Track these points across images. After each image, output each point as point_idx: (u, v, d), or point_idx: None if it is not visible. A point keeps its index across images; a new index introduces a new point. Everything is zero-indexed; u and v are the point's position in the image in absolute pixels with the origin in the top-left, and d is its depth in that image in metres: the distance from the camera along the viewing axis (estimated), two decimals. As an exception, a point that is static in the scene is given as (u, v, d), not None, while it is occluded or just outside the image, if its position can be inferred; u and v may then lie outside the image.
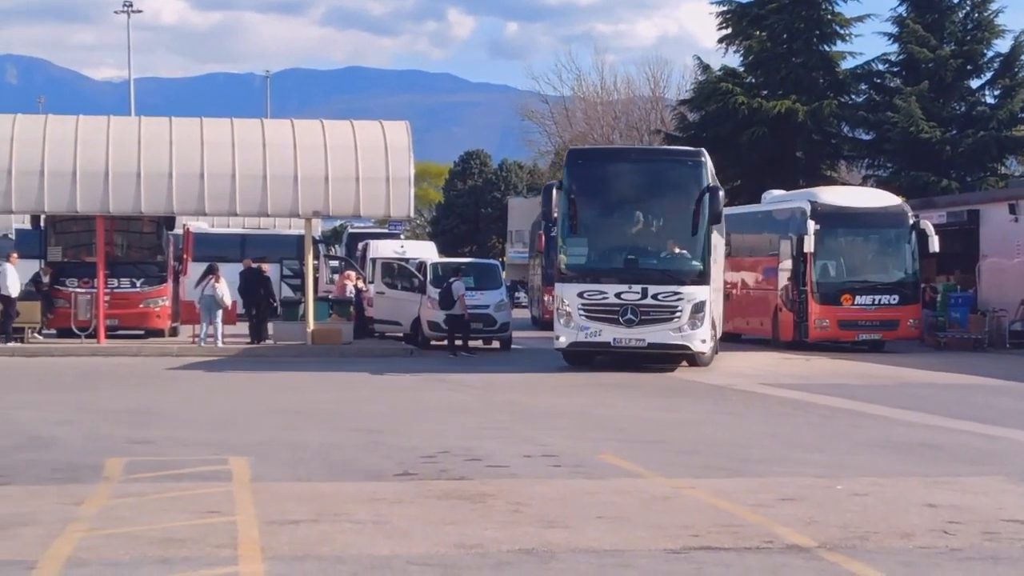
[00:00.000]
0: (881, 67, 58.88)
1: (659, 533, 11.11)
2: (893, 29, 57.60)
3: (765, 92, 57.53)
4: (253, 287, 36.29)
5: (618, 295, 28.67)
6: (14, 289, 34.61)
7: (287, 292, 45.09)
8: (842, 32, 58.68)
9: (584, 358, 30.29)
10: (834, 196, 39.17)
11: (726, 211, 35.82)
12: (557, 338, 29.55)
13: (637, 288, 28.61)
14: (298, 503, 12.30)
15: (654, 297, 28.57)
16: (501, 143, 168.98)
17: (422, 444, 16.72)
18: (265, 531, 10.97)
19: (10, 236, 45.54)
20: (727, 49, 60.24)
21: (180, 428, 18.73)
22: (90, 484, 13.35)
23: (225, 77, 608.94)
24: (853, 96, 59.67)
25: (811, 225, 36.50)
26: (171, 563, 9.83)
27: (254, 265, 37.24)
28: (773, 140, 55.80)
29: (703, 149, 31.41)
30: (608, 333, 28.74)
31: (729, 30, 59.87)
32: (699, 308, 28.69)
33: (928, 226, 37.37)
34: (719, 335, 33.60)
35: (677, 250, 29.33)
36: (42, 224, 37.71)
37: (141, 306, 37.41)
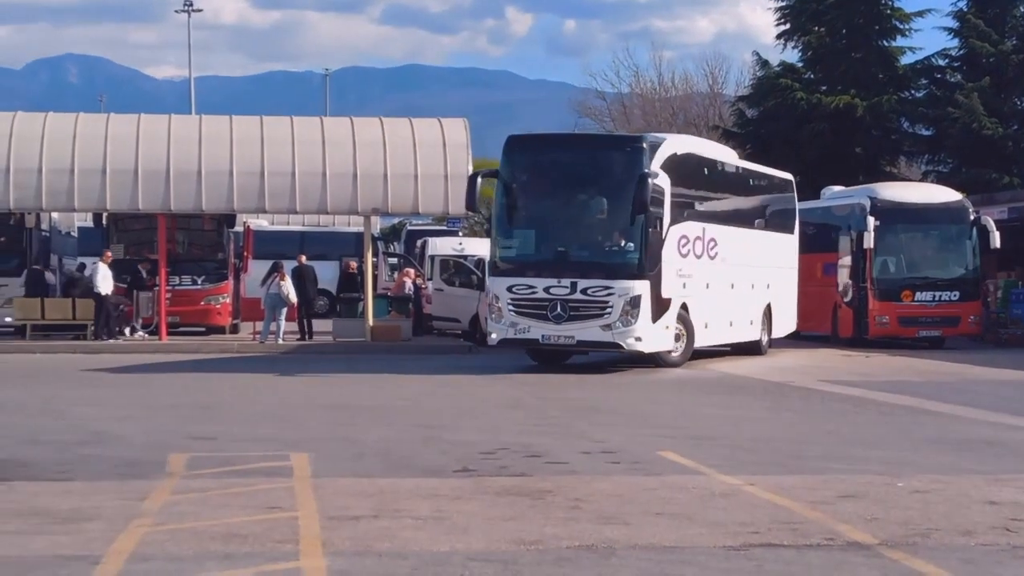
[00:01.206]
0: (941, 62, 58.43)
1: (718, 530, 11.10)
2: (953, 24, 57.14)
3: (824, 88, 57.22)
4: (302, 284, 36.45)
5: (547, 289, 27.28)
6: (105, 287, 34.88)
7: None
8: (901, 27, 58.26)
9: (551, 356, 29.22)
10: (894, 192, 38.99)
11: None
12: (489, 334, 28.55)
13: (566, 282, 27.20)
14: (358, 499, 12.37)
15: (583, 292, 27.10)
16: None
17: (480, 440, 16.76)
18: (326, 526, 11.04)
19: (72, 234, 45.90)
20: (786, 45, 59.95)
21: (241, 424, 18.87)
22: (153, 480, 13.46)
23: (284, 75, 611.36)
24: (913, 91, 59.27)
25: (871, 221, 36.35)
26: (233, 558, 9.91)
27: (306, 263, 37.45)
28: (832, 136, 55.50)
29: (646, 135, 30.59)
30: (537, 330, 27.43)
31: (788, 26, 59.57)
32: (634, 303, 26.96)
33: (989, 222, 37.14)
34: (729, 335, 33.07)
35: (620, 242, 27.64)
36: (104, 222, 38.03)
37: (202, 303, 37.73)
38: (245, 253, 40.38)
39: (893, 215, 36.96)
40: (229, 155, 35.09)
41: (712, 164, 31.96)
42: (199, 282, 37.49)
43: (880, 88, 56.77)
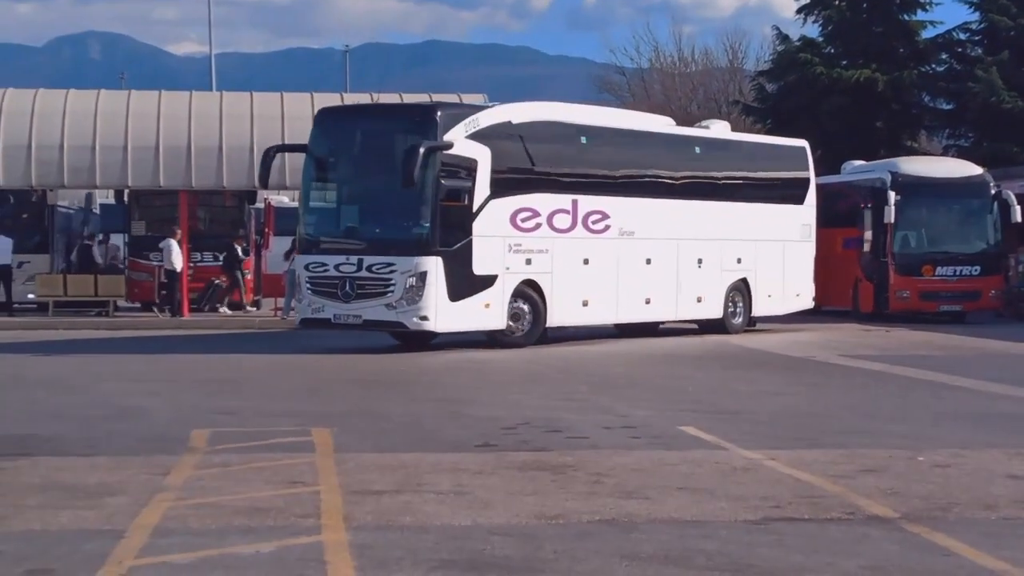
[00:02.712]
0: (962, 36, 58.14)
1: (739, 504, 11.13)
2: (974, -3, 56.92)
3: (844, 62, 56.99)
4: None
5: (337, 267, 26.35)
6: (178, 263, 34.99)
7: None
8: (922, 1, 58.02)
9: (421, 340, 27.59)
10: (915, 166, 38.92)
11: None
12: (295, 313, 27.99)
13: (354, 260, 26.26)
14: (380, 473, 12.42)
15: (368, 269, 26.13)
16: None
17: (502, 415, 16.81)
18: (348, 501, 11.09)
19: (95, 211, 46.01)
20: (806, 19, 59.66)
21: (263, 399, 18.94)
22: (176, 455, 13.53)
23: (305, 52, 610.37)
24: (934, 66, 59.06)
25: (891, 195, 36.30)
26: (256, 532, 9.97)
27: None
28: (852, 110, 55.29)
29: (439, 103, 29.52)
30: (330, 309, 26.53)
31: (808, 0, 59.40)
32: (420, 280, 25.69)
33: (1010, 196, 37.06)
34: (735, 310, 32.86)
35: (407, 217, 26.31)
36: (126, 199, 38.12)
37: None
38: (267, 230, 40.40)
39: (914, 190, 36.88)
40: (250, 132, 35.11)
41: (594, 132, 29.93)
42: (221, 259, 37.52)
43: (901, 62, 56.55)
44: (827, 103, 54.81)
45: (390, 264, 25.96)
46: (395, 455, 13.57)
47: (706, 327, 32.66)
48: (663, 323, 32.51)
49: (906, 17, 58.10)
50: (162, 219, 37.69)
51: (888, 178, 36.93)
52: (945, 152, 57.00)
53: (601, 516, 10.61)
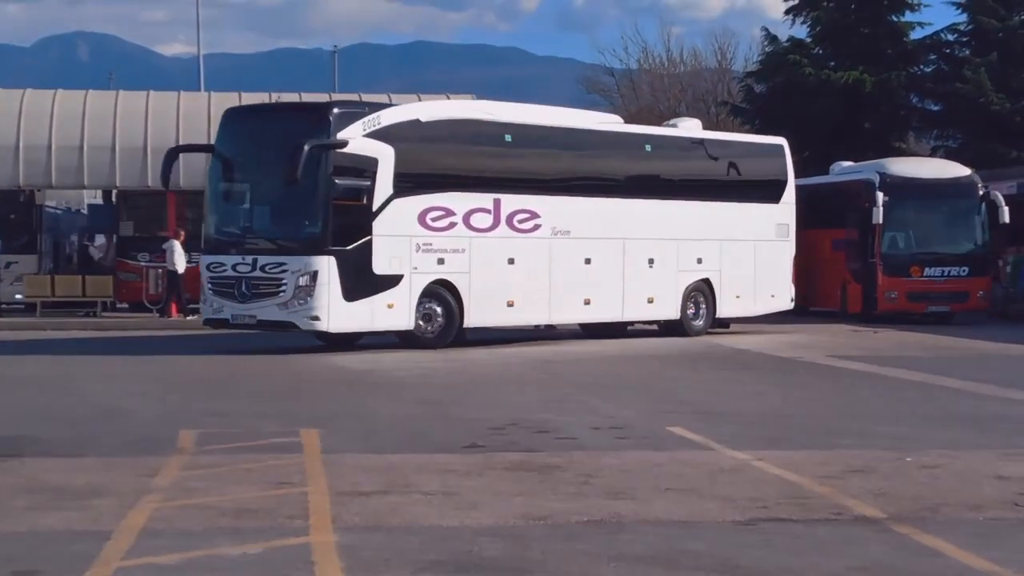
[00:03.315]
0: (950, 37, 58.26)
1: (727, 505, 11.13)
2: (962, -1, 57.03)
3: (833, 63, 57.07)
4: None
5: (235, 267, 26.29)
6: (181, 265, 34.91)
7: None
8: (911, 2, 58.01)
9: (342, 340, 27.42)
10: (903, 167, 38.96)
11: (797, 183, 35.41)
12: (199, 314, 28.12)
13: (249, 259, 26.17)
14: (368, 474, 12.41)
15: (262, 269, 26.02)
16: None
17: (490, 416, 16.80)
18: (336, 502, 11.08)
19: (83, 211, 45.96)
20: (794, 20, 59.74)
21: (251, 400, 18.92)
22: (163, 456, 13.50)
23: (294, 52, 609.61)
24: (922, 67, 59.15)
25: (880, 196, 36.33)
26: (243, 533, 9.95)
27: None
28: (841, 112, 55.35)
29: (335, 101, 29.16)
30: (228, 309, 26.49)
31: (797, 1, 59.44)
32: (312, 280, 25.54)
33: (998, 197, 37.12)
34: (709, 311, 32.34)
35: (299, 216, 26.36)
36: (113, 199, 38.08)
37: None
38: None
39: (902, 191, 36.93)
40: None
41: (521, 130, 29.39)
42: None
43: (889, 63, 56.63)
44: (815, 104, 54.87)
45: (282, 264, 25.87)
46: (382, 456, 13.56)
47: (668, 328, 32.12)
48: (631, 324, 32.28)
49: (894, 18, 58.18)
50: (150, 220, 37.64)
51: (876, 179, 36.98)
52: (933, 153, 57.08)
53: (589, 517, 10.60)
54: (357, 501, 11.15)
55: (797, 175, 35.47)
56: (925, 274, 37.07)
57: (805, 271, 36.28)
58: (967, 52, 57.34)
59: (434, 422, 16.43)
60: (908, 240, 37.72)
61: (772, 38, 60.58)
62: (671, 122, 35.58)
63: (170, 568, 9.01)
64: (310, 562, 9.09)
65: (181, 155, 30.18)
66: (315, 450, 13.90)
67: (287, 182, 25.23)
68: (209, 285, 26.86)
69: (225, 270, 26.50)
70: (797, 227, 34.59)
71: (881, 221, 36.49)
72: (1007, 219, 36.70)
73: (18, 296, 36.62)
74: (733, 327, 33.75)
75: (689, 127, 34.13)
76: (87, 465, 13.02)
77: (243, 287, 26.16)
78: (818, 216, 37.83)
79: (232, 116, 28.57)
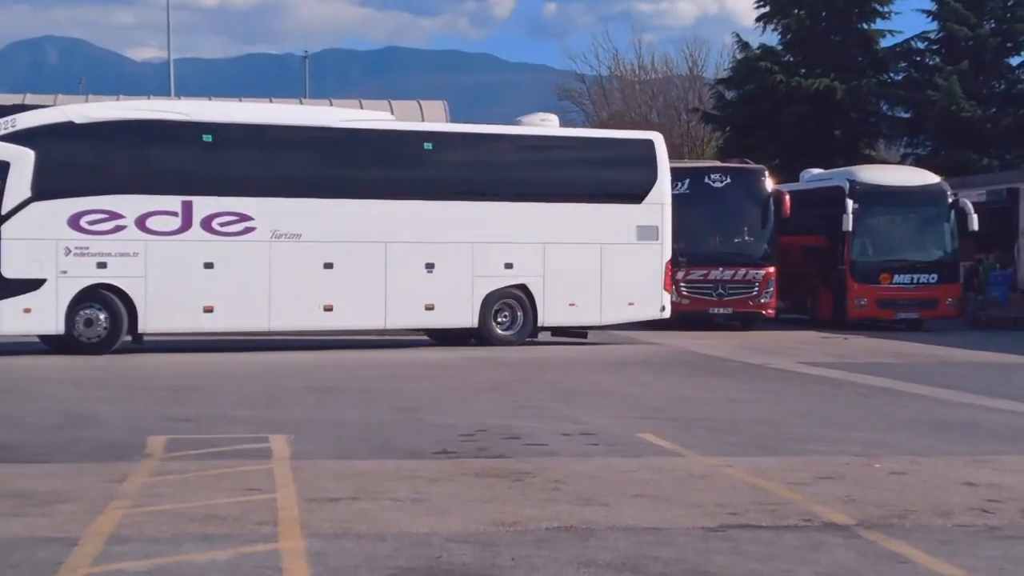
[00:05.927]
0: (920, 45, 58.65)
1: (697, 511, 11.14)
2: (932, 7, 57.38)
3: (803, 71, 57.40)
4: None
5: None
6: None
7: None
8: (881, 10, 58.45)
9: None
10: (872, 174, 39.12)
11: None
12: None
13: None
14: (338, 481, 12.38)
15: None
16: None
17: (460, 422, 16.77)
18: (305, 508, 11.05)
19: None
20: (765, 28, 60.12)
21: (220, 406, 18.85)
22: (132, 462, 13.44)
23: (265, 58, 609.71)
24: (892, 74, 59.47)
25: (849, 204, 36.46)
26: (212, 540, 9.91)
27: None
28: (811, 119, 55.63)
29: (39, 109, 28.47)
30: None
31: (768, 8, 59.73)
32: None
33: (967, 204, 37.31)
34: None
35: None
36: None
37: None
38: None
39: (871, 198, 37.07)
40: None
41: (219, 129, 28.58)
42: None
43: (859, 71, 56.97)
44: (786, 111, 55.15)
45: None
46: (352, 463, 13.53)
47: (465, 336, 30.69)
48: (424, 330, 31.46)
49: (865, 26, 58.57)
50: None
51: (846, 186, 37.12)
52: (903, 160, 57.44)
53: (559, 523, 10.60)
54: (326, 507, 11.10)
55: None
56: (895, 281, 37.20)
57: (775, 278, 36.38)
58: (937, 60, 57.69)
59: (400, 428, 16.40)
60: (878, 247, 37.83)
61: (743, 45, 60.89)
62: (520, 119, 32.83)
63: (139, 574, 8.97)
64: (279, 568, 9.07)
65: None
66: (284, 456, 13.85)
67: None
68: None
69: None
70: None
71: (851, 228, 36.61)
72: (976, 226, 36.88)
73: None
74: (699, 334, 33.70)
75: (549, 124, 32.18)
76: (54, 471, 12.95)
77: None
78: (789, 223, 37.90)
79: None
